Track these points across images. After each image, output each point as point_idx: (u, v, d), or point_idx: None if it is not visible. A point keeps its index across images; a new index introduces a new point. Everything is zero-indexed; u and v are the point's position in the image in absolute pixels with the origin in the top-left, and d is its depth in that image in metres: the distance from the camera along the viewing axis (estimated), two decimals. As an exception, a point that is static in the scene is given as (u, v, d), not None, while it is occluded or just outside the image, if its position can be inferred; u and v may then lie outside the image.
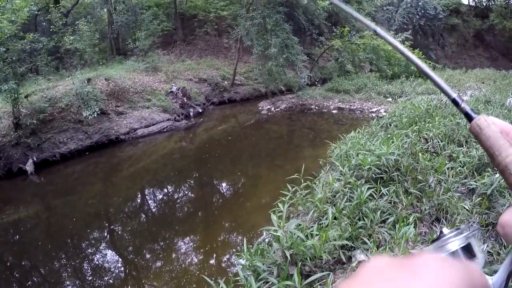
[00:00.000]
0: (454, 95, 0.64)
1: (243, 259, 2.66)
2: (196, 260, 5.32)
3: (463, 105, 0.58)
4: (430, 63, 19.88)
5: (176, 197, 8.37)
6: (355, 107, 13.86)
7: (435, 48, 28.78)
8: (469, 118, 0.52)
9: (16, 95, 9.80)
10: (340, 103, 14.68)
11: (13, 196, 9.01)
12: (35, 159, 9.87)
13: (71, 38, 13.76)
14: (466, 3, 31.12)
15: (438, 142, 4.91)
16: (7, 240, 7.13)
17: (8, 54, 9.94)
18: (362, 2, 23.97)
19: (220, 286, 2.45)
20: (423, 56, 19.19)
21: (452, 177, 3.87)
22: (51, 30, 15.10)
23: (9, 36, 9.86)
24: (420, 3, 25.06)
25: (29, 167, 9.64)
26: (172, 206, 7.83)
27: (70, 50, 14.61)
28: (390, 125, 6.45)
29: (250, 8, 16.10)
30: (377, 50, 17.24)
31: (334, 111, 13.84)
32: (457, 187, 3.81)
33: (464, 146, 4.95)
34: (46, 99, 10.90)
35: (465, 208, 3.32)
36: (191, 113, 15.18)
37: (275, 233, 2.57)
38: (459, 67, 23.94)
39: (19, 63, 10.64)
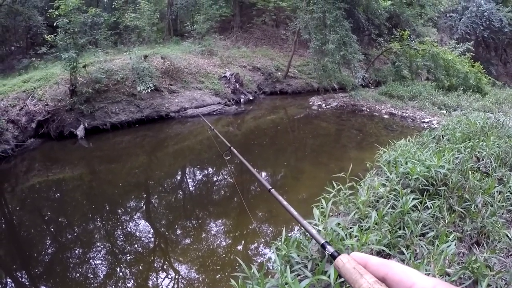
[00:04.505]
0: (323, 240, 0.86)
1: (278, 249, 2.67)
2: (224, 243, 5.37)
3: (328, 248, 0.81)
4: (489, 79, 18.79)
5: (215, 179, 8.50)
6: (407, 114, 13.40)
7: (497, 64, 26.99)
8: (334, 259, 0.64)
9: (75, 64, 10.34)
10: (392, 109, 14.25)
11: (61, 157, 9.55)
12: (86, 125, 10.39)
13: (132, 15, 14.24)
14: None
15: (491, 162, 4.66)
16: (49, 196, 7.60)
17: (70, 25, 10.53)
18: (425, 6, 22.82)
19: (252, 270, 2.49)
20: (484, 70, 18.11)
21: (499, 201, 3.68)
22: (112, 6, 15.72)
23: (73, 9, 10.44)
24: (485, 14, 23.40)
25: (79, 132, 10.16)
26: (210, 187, 7.96)
27: (129, 27, 15.13)
28: (443, 137, 6.19)
29: (311, 2, 15.85)
30: (436, 58, 16.47)
31: (385, 116, 13.47)
32: (503, 213, 3.63)
33: (516, 171, 4.66)
34: (103, 70, 11.40)
35: (507, 236, 3.15)
36: (242, 100, 15.37)
37: (315, 227, 2.56)
38: (520, 87, 22.46)
39: (80, 35, 11.19)
